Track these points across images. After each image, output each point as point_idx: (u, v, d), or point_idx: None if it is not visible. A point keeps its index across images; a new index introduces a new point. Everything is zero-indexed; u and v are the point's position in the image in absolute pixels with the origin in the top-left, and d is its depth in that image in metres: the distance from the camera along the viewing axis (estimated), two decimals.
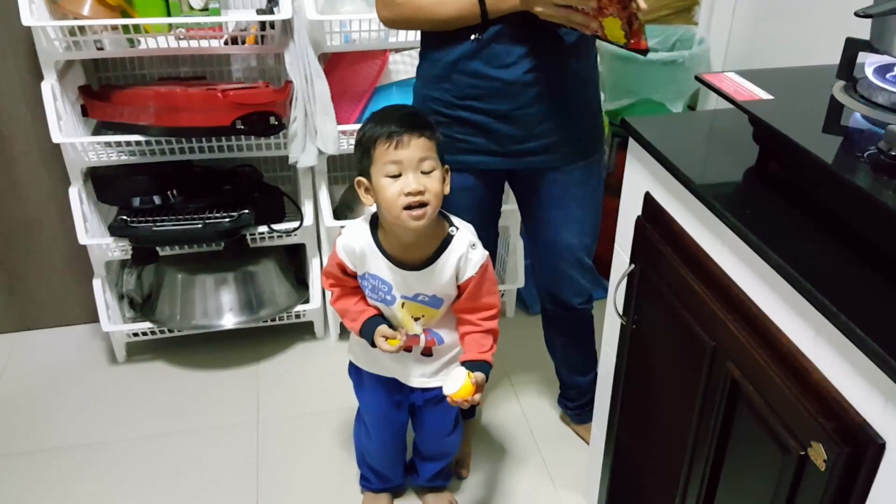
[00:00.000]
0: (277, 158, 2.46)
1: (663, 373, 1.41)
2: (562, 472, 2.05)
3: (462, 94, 1.61)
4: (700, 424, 1.25)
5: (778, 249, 1.04)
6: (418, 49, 1.69)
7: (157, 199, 2.20)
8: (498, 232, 1.93)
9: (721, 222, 1.16)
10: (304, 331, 2.55)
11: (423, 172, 1.44)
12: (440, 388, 1.65)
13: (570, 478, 2.03)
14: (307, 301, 2.45)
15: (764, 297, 1.09)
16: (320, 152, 2.17)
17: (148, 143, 2.10)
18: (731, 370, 1.14)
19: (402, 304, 1.57)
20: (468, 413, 2.06)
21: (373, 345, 1.55)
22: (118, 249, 2.26)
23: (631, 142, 1.48)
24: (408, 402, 1.72)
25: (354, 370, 1.75)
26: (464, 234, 1.55)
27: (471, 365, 1.52)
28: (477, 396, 1.49)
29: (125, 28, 2.02)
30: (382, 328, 1.54)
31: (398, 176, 1.43)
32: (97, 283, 2.33)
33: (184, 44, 2.08)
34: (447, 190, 1.50)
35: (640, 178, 1.45)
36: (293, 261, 2.55)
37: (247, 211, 2.19)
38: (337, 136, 2.16)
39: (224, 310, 2.34)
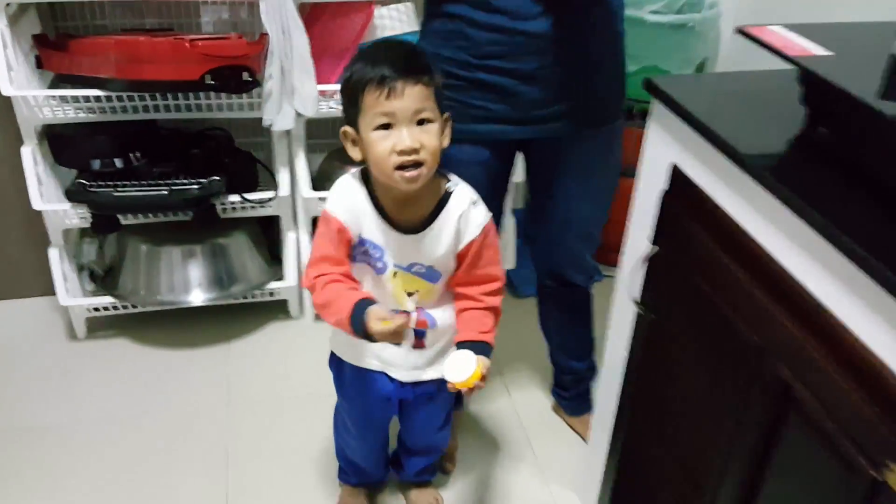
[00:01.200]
0: (250, 121, 2.25)
1: (689, 371, 1.25)
2: (554, 468, 1.90)
3: (482, 51, 1.42)
4: (736, 434, 1.09)
5: (845, 230, 0.87)
6: (407, 2, 1.49)
7: (118, 163, 2.00)
8: (503, 210, 1.74)
9: (773, 197, 1.00)
10: (277, 310, 2.37)
11: (418, 124, 1.25)
12: (433, 383, 1.49)
13: (562, 473, 1.88)
14: (281, 278, 2.26)
15: (826, 288, 0.92)
16: (298, 115, 1.98)
17: (109, 99, 1.90)
18: (781, 373, 0.98)
19: (395, 274, 1.39)
20: (456, 403, 1.89)
21: (364, 335, 1.30)
22: (76, 217, 2.06)
23: (655, 106, 1.32)
24: (396, 396, 1.54)
25: (335, 362, 1.56)
26: (463, 189, 1.37)
27: (471, 346, 1.35)
28: (483, 384, 1.32)
29: None
30: (375, 308, 1.29)
31: (389, 127, 1.24)
32: (54, 254, 2.13)
33: None
34: (446, 143, 1.32)
35: (666, 149, 1.29)
36: (267, 235, 2.36)
37: (217, 178, 2.00)
38: (317, 97, 1.97)
39: (192, 285, 2.15)
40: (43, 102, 1.94)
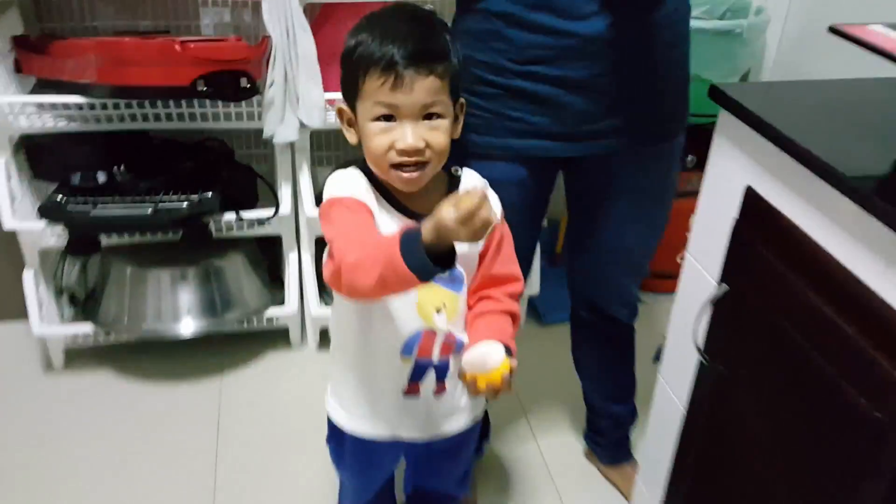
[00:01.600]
0: (251, 133, 2.07)
1: (773, 442, 1.03)
2: None
3: (524, 56, 1.22)
4: None
5: None
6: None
7: (101, 177, 1.80)
8: (538, 238, 1.53)
9: (884, 226, 0.79)
10: (276, 339, 2.15)
11: (425, 118, 1.06)
12: (453, 437, 1.28)
13: None
14: (282, 303, 2.05)
15: None
16: (302, 125, 1.78)
17: (92, 106, 1.70)
18: None
19: None
20: (476, 449, 1.67)
21: (430, 258, 0.96)
22: (53, 236, 1.86)
23: (723, 118, 1.11)
24: (410, 455, 1.32)
25: (334, 436, 1.33)
26: (470, 172, 1.20)
27: None
28: (510, 387, 1.11)
29: None
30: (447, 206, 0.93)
31: (391, 118, 1.06)
32: (28, 276, 1.92)
33: None
34: (457, 133, 1.13)
35: (738, 169, 1.08)
36: (266, 255, 2.16)
37: (210, 194, 1.79)
38: (324, 106, 1.77)
39: (182, 312, 1.94)
40: (19, 110, 1.75)
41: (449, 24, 1.16)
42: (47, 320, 1.96)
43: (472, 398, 1.30)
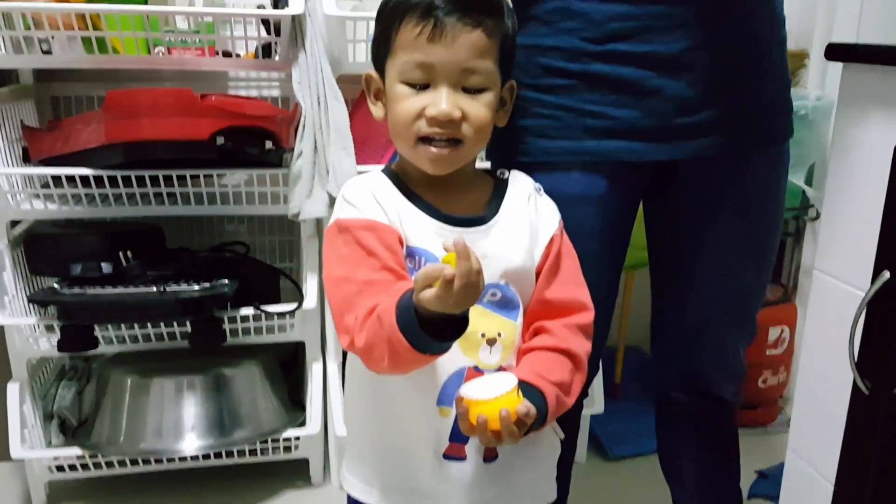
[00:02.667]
0: (274, 221, 1.89)
1: None
2: None
3: (604, 32, 1.01)
4: None
5: None
6: None
7: (105, 267, 1.59)
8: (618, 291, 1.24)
9: None
10: (294, 472, 1.83)
11: (465, 90, 0.88)
12: None
13: None
14: (302, 425, 1.76)
15: None
16: (332, 201, 1.58)
17: (99, 182, 1.51)
18: None
19: None
20: None
21: (429, 332, 0.79)
22: (46, 339, 1.62)
23: (850, 75, 0.91)
24: None
25: None
26: (520, 177, 1.02)
27: (522, 386, 0.88)
28: (518, 431, 0.85)
29: (87, 43, 1.51)
30: (429, 268, 0.78)
31: (425, 87, 0.88)
32: (13, 390, 1.66)
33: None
34: (504, 121, 0.95)
35: (879, 126, 0.86)
36: (286, 371, 1.89)
37: (225, 280, 1.57)
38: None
39: (185, 428, 1.65)
40: (19, 188, 1.57)
41: None
42: (30, 443, 1.67)
43: (539, 472, 1.02)
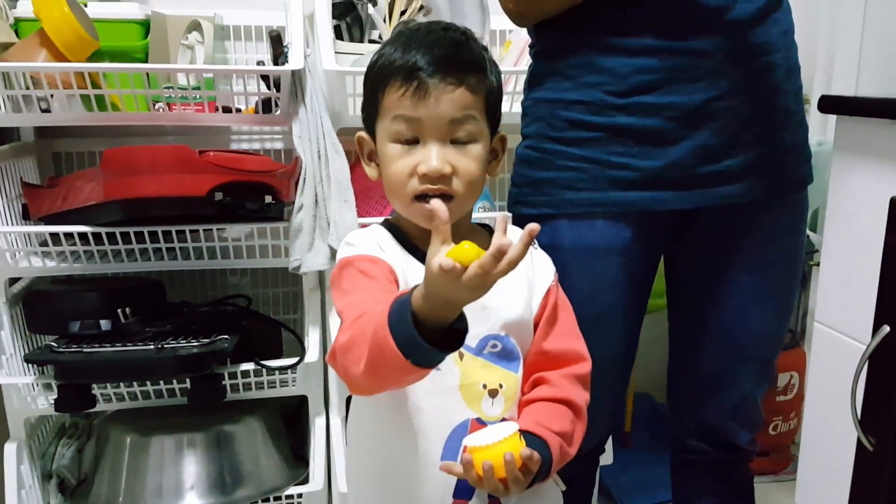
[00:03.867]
0: (278, 274, 1.88)
1: None
2: None
3: (628, 85, 1.02)
4: None
5: None
6: None
7: (104, 324, 1.57)
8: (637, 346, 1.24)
9: None
10: None
11: (454, 142, 0.89)
12: None
13: None
14: (305, 481, 1.73)
15: None
16: (333, 254, 1.57)
17: (97, 237, 1.51)
18: None
19: (461, 358, 0.93)
20: None
21: (424, 335, 0.75)
22: (45, 398, 1.60)
23: (844, 129, 0.91)
24: None
25: None
26: (514, 228, 0.97)
27: (525, 436, 0.88)
28: (523, 479, 0.85)
29: (86, 101, 1.52)
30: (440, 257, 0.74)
31: (414, 143, 0.90)
32: (10, 450, 1.64)
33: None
34: (496, 172, 0.97)
35: (876, 178, 0.85)
36: (290, 426, 1.86)
37: (226, 337, 1.56)
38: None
39: (185, 487, 1.62)
40: (14, 245, 1.57)
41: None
42: None
43: None
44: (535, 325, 0.98)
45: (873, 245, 0.92)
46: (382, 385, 0.84)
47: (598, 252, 1.05)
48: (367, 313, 0.81)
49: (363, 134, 0.98)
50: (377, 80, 0.93)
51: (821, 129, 2.02)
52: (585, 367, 0.99)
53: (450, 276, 0.72)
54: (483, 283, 0.74)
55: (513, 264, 0.74)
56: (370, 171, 0.98)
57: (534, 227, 0.75)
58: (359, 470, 1.03)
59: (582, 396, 0.97)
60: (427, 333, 0.75)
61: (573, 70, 1.05)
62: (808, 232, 1.91)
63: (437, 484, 0.93)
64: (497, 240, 0.73)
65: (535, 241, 1.01)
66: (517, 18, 1.11)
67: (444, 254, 0.74)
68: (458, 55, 0.91)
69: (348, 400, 1.65)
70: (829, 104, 0.94)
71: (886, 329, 0.83)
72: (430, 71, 0.88)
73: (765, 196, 1.08)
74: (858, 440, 0.91)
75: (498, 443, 0.84)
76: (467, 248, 0.75)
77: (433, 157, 0.89)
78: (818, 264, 2.01)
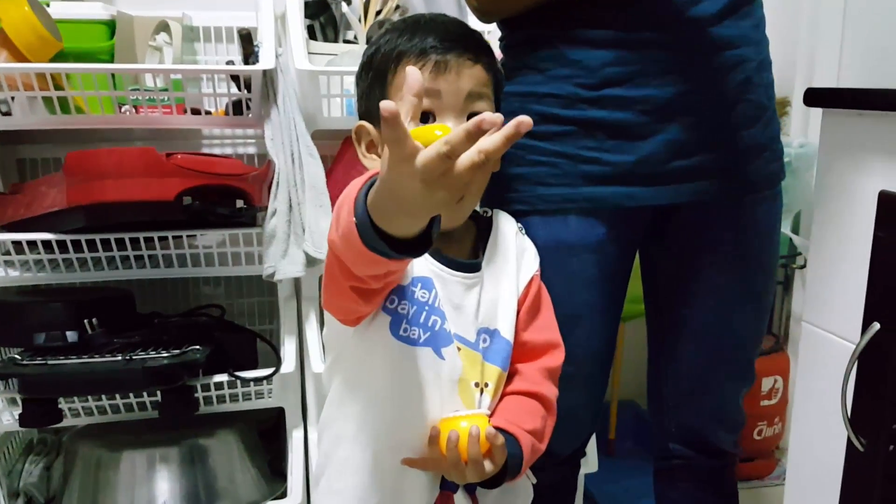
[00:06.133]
0: (253, 283, 1.83)
1: None
2: None
3: (598, 78, 0.99)
4: None
5: None
6: None
7: (70, 336, 1.52)
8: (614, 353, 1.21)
9: None
10: None
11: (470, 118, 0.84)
12: None
13: None
14: (283, 495, 1.67)
15: None
16: (309, 260, 1.53)
17: (62, 245, 1.46)
18: None
19: (458, 351, 0.91)
20: None
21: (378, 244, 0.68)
22: (10, 413, 1.54)
23: (831, 122, 0.88)
24: None
25: None
26: (502, 213, 1.02)
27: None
28: (486, 466, 0.84)
29: (49, 104, 1.47)
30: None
31: (427, 118, 0.86)
32: None
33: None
34: (497, 166, 0.96)
35: (864, 172, 0.83)
36: (266, 441, 1.81)
37: (197, 347, 1.50)
38: None
39: (157, 503, 1.57)
40: None
41: None
42: None
43: None
44: (518, 305, 0.96)
45: (862, 241, 0.89)
46: (355, 266, 0.74)
47: (571, 249, 1.02)
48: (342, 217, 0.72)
49: (364, 123, 0.94)
50: (383, 63, 0.90)
51: (802, 129, 2.00)
52: (559, 356, 0.97)
53: (400, 152, 0.61)
54: (445, 179, 0.62)
55: (485, 156, 0.62)
56: (369, 162, 0.94)
57: (524, 119, 0.62)
58: (341, 460, 0.98)
59: (552, 391, 0.96)
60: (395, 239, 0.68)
61: (544, 63, 1.02)
62: (790, 235, 1.90)
63: (424, 477, 0.91)
64: (477, 118, 0.62)
65: (522, 227, 1.00)
66: (482, 16, 1.08)
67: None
68: (471, 36, 0.91)
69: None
70: (815, 97, 0.91)
71: (877, 326, 0.81)
72: (447, 46, 0.87)
73: (737, 192, 1.06)
74: (849, 441, 0.88)
75: (466, 416, 0.85)
76: (438, 134, 0.64)
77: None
78: (802, 267, 2.00)
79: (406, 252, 0.69)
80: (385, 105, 0.59)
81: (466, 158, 0.61)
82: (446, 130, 0.66)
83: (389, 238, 0.67)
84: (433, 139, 0.62)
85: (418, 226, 0.67)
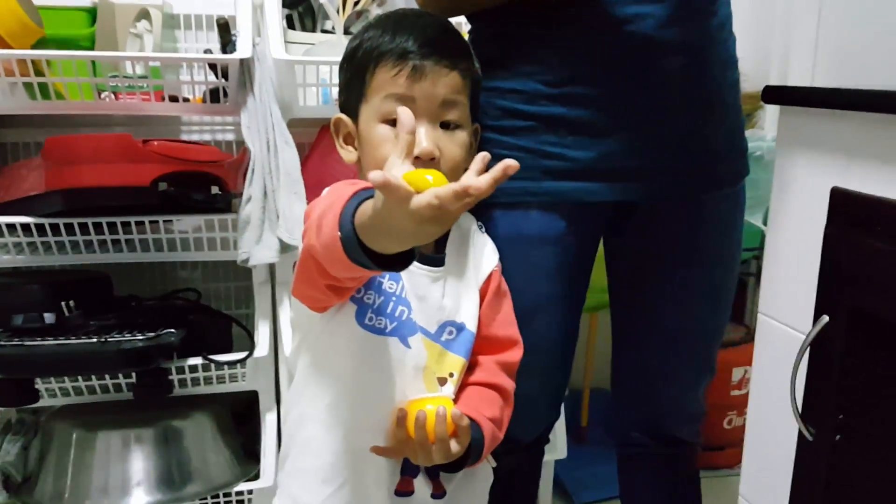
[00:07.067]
0: (229, 268, 1.86)
1: None
2: None
3: (562, 75, 1.01)
4: None
5: None
6: None
7: (48, 317, 1.54)
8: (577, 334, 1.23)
9: None
10: None
11: (443, 126, 0.89)
12: None
13: None
14: (256, 477, 1.70)
15: None
16: (283, 247, 1.55)
17: (40, 228, 1.47)
18: None
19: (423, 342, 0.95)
20: None
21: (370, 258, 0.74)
22: None
23: (786, 120, 0.91)
24: None
25: None
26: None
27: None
28: (452, 446, 0.88)
29: (29, 89, 1.48)
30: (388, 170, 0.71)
31: None
32: None
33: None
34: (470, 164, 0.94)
35: (814, 171, 0.86)
36: (239, 424, 1.83)
37: (172, 331, 1.53)
38: None
39: (132, 484, 1.59)
40: None
41: None
42: None
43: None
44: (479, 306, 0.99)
45: (816, 236, 0.92)
46: (334, 270, 0.80)
47: (532, 241, 1.04)
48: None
49: (342, 116, 0.97)
50: (363, 61, 0.92)
51: (775, 124, 2.03)
52: (517, 353, 1.01)
53: (395, 196, 0.67)
54: (435, 216, 0.68)
55: (474, 197, 0.69)
56: (346, 154, 0.97)
57: (511, 163, 0.70)
58: (305, 440, 1.01)
59: (510, 384, 1.00)
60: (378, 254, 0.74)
61: (509, 60, 1.04)
62: (762, 227, 1.93)
63: (386, 462, 0.94)
64: (468, 178, 0.69)
65: (481, 224, 1.02)
66: (438, 14, 1.10)
67: (399, 172, 0.71)
68: (451, 39, 0.93)
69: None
70: (772, 95, 0.94)
71: (825, 319, 0.83)
72: (425, 52, 0.89)
73: (699, 190, 1.08)
74: (799, 431, 0.91)
75: (432, 398, 0.88)
76: (429, 180, 0.70)
77: (423, 138, 0.88)
78: None
79: (389, 267, 0.75)
80: (373, 177, 0.66)
81: (459, 206, 0.69)
82: (436, 176, 0.71)
83: (373, 253, 0.73)
84: (424, 185, 0.69)
85: (405, 248, 0.74)
